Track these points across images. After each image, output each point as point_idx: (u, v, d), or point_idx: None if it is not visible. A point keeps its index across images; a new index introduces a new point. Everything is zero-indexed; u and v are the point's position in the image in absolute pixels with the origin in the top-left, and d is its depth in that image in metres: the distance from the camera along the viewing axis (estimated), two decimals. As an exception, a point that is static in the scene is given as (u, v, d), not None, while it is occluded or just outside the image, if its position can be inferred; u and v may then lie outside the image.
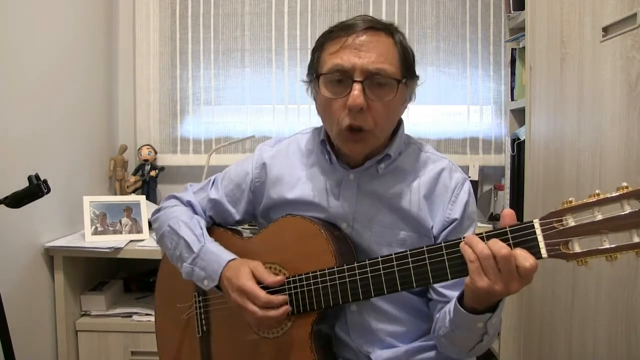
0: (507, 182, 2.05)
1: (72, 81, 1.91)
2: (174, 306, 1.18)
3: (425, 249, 0.86)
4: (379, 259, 0.91)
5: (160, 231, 1.15)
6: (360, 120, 0.94)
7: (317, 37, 1.04)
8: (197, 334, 1.13)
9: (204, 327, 1.12)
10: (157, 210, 1.21)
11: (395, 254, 0.89)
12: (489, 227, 2.00)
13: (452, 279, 0.85)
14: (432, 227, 1.03)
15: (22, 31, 1.61)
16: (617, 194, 0.70)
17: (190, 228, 1.09)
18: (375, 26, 0.97)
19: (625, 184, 0.70)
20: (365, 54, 0.93)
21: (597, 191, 0.72)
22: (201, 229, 1.10)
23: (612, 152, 1.21)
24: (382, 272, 0.90)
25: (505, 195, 2.07)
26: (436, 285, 1.00)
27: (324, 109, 1.00)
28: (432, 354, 1.05)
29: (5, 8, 1.54)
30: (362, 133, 0.96)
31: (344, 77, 0.94)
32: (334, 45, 0.96)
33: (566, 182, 1.44)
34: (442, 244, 0.85)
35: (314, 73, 1.01)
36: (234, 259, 1.02)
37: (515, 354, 1.80)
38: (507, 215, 0.80)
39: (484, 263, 0.77)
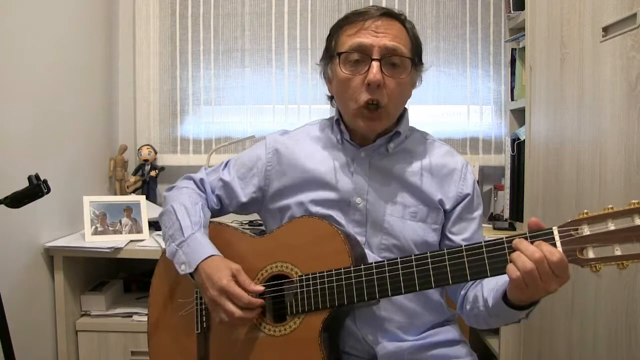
0: (507, 182, 2.06)
1: (72, 81, 1.91)
2: (171, 304, 1.16)
3: (445, 251, 0.89)
4: (398, 260, 0.93)
5: (164, 208, 1.18)
6: (378, 95, 1.01)
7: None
8: (195, 331, 1.12)
9: (204, 323, 1.11)
10: (170, 188, 1.25)
11: (414, 255, 0.92)
12: (489, 227, 2.02)
13: (470, 279, 0.88)
14: (439, 201, 1.09)
15: (22, 31, 1.61)
16: (629, 208, 0.75)
17: (189, 214, 1.11)
18: (389, 13, 1.06)
19: (636, 201, 0.75)
20: (382, 34, 1.02)
21: (610, 205, 0.77)
22: (200, 217, 1.12)
23: (612, 152, 1.21)
24: (400, 272, 0.92)
25: (505, 195, 2.07)
26: None
27: (341, 87, 1.06)
28: (436, 351, 1.06)
29: (6, 8, 1.54)
30: (378, 110, 1.03)
31: (362, 57, 1.02)
32: (352, 28, 1.05)
33: (566, 182, 1.44)
34: (463, 247, 0.88)
35: (332, 53, 1.08)
36: (216, 255, 1.04)
37: (515, 354, 1.80)
38: (533, 223, 0.83)
39: (527, 278, 0.79)
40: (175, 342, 1.16)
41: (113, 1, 2.25)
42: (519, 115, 2.13)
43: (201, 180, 1.23)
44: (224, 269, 1.00)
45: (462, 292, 1.07)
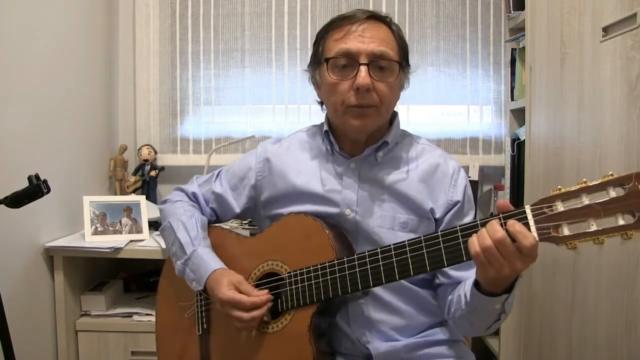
0: (507, 182, 2.06)
1: (72, 81, 1.91)
2: (176, 305, 1.19)
3: (422, 237, 0.89)
4: (378, 250, 0.94)
5: (162, 224, 1.21)
6: (367, 99, 1.02)
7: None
8: (197, 332, 1.14)
9: (204, 324, 1.13)
10: (163, 202, 1.27)
11: (393, 244, 0.92)
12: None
13: (447, 265, 0.88)
14: (430, 210, 1.07)
15: (22, 31, 1.61)
16: (603, 181, 0.73)
17: (187, 229, 1.13)
18: (375, 16, 1.06)
19: (610, 172, 0.73)
20: (368, 39, 1.02)
21: (584, 179, 0.75)
22: (197, 230, 1.14)
23: (612, 152, 1.21)
24: (380, 262, 0.93)
25: (505, 195, 2.07)
26: (444, 269, 1.03)
27: (329, 92, 1.06)
28: (430, 350, 1.06)
29: (5, 8, 1.54)
30: (368, 108, 1.03)
31: (349, 62, 1.02)
32: (338, 33, 1.04)
33: (566, 182, 1.44)
34: (439, 233, 0.88)
35: (319, 59, 1.08)
36: (218, 269, 1.06)
37: (515, 354, 1.80)
38: (502, 205, 0.83)
39: (486, 254, 0.79)
40: (181, 342, 1.18)
41: (113, 1, 2.25)
42: (519, 115, 2.13)
43: (193, 194, 1.24)
44: (224, 282, 1.02)
45: (450, 298, 1.04)
